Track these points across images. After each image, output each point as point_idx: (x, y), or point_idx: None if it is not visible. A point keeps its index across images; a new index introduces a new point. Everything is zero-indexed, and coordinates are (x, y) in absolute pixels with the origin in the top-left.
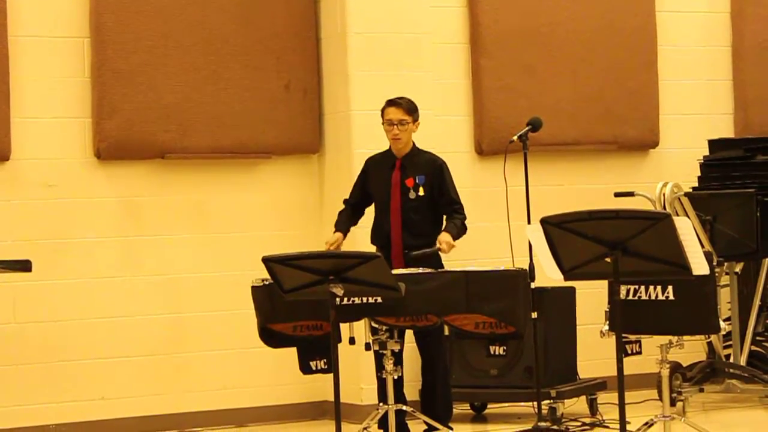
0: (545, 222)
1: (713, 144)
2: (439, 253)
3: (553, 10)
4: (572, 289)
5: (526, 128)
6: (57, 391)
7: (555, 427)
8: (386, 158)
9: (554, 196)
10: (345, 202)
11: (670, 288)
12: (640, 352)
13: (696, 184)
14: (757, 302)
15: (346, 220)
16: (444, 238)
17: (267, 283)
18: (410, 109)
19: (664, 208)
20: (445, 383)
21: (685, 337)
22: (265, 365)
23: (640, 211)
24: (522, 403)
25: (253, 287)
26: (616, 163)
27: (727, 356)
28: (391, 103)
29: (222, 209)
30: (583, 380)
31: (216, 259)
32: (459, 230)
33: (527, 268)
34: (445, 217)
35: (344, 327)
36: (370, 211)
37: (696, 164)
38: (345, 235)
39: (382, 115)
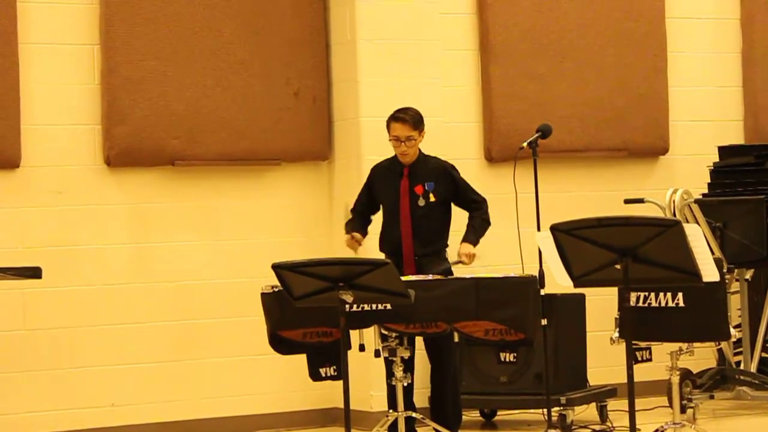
0: (555, 229)
1: (723, 150)
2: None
3: (563, 17)
4: (582, 296)
5: (536, 135)
6: (67, 397)
7: None
8: (394, 166)
9: (564, 203)
10: (352, 211)
11: (680, 295)
12: (650, 359)
13: (706, 191)
14: (767, 309)
15: (361, 224)
16: (464, 250)
17: (277, 289)
18: (416, 122)
19: (674, 214)
20: (455, 390)
21: (696, 344)
22: (275, 372)
23: (650, 218)
24: (532, 410)
25: (262, 294)
26: (626, 169)
27: (738, 363)
28: (395, 119)
29: (231, 216)
30: (593, 387)
31: (225, 265)
32: (478, 231)
33: (537, 274)
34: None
35: (354, 334)
36: (377, 218)
37: (706, 171)
38: (364, 235)
39: (388, 130)
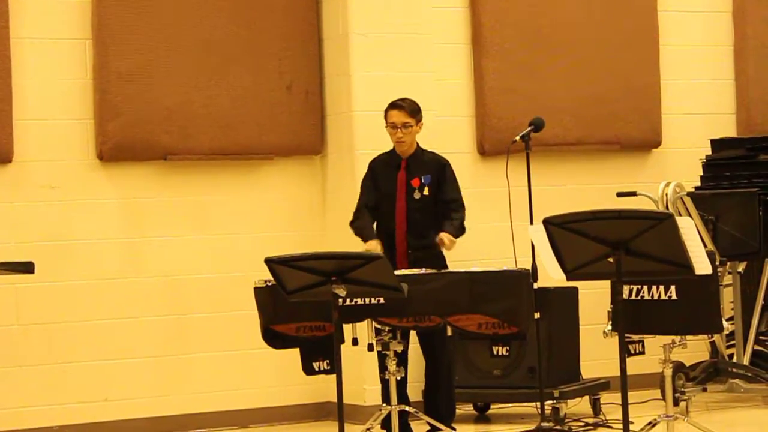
0: (548, 222)
1: (716, 143)
2: (442, 249)
3: (555, 11)
4: (575, 290)
5: (529, 128)
6: (60, 392)
7: (558, 427)
8: (391, 158)
9: (557, 197)
10: (362, 207)
11: (672, 288)
12: (643, 352)
13: (698, 184)
14: (760, 302)
15: (372, 226)
16: (445, 235)
17: (270, 284)
18: (413, 111)
19: (667, 207)
20: (449, 384)
21: (688, 337)
22: (268, 366)
23: (642, 211)
24: (525, 404)
25: (255, 288)
26: (619, 163)
27: (730, 356)
28: (393, 105)
29: (224, 210)
30: (586, 380)
31: (218, 260)
32: (457, 230)
33: (530, 268)
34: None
35: (347, 328)
36: None
37: (698, 164)
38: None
39: (385, 118)
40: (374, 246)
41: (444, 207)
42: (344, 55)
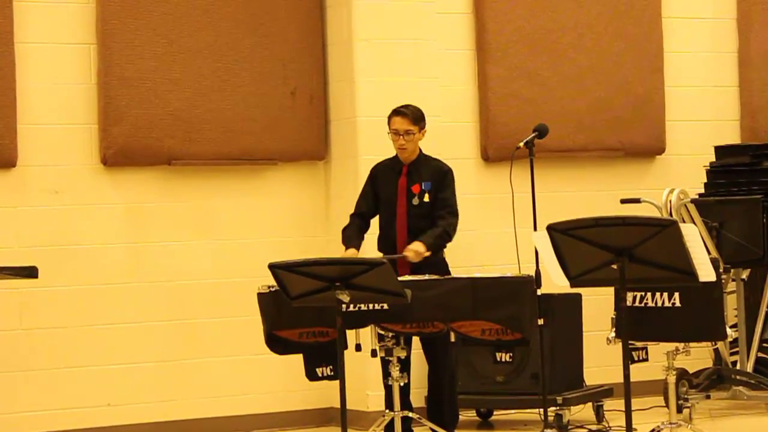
0: (552, 229)
1: (719, 150)
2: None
3: (560, 17)
4: (578, 296)
5: (533, 135)
6: (64, 397)
7: None
8: (394, 164)
9: (560, 203)
10: (353, 215)
11: (676, 295)
12: (646, 359)
13: (702, 191)
14: (763, 309)
15: (356, 235)
16: (414, 246)
17: (273, 289)
18: (416, 118)
19: (671, 214)
20: (452, 390)
21: (692, 344)
22: (272, 372)
23: (646, 218)
24: (528, 410)
25: (259, 294)
26: (623, 169)
27: (734, 363)
28: (396, 112)
29: (228, 216)
30: (590, 387)
31: (222, 265)
32: (437, 239)
33: (533, 274)
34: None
35: (350, 333)
36: (375, 218)
37: (702, 171)
38: (358, 250)
39: (389, 124)
40: (348, 255)
41: (437, 212)
42: (348, 60)
